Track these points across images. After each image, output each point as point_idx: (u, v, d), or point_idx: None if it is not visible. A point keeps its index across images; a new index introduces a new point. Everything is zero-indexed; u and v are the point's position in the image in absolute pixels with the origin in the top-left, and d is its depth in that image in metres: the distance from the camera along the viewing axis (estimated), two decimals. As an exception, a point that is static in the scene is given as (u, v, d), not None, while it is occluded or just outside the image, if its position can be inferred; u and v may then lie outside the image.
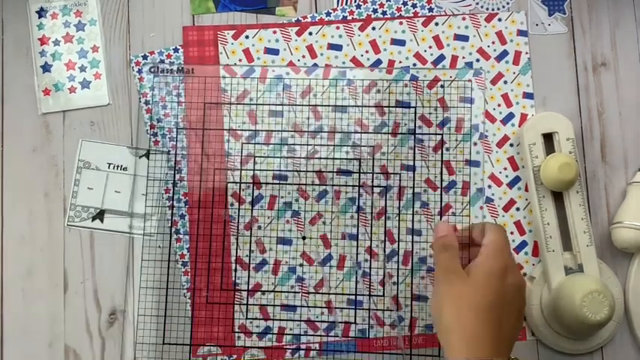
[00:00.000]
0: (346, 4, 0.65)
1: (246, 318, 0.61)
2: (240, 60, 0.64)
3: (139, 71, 0.64)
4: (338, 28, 0.64)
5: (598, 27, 0.65)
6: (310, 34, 0.64)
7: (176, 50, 0.64)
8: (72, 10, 0.64)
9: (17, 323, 0.62)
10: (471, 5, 0.65)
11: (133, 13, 0.65)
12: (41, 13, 0.64)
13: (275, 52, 0.64)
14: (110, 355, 0.61)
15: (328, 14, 0.65)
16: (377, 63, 0.64)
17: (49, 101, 0.64)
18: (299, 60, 0.64)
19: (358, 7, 0.65)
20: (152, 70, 0.63)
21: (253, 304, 0.61)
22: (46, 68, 0.64)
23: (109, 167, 0.63)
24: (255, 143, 0.63)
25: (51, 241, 0.62)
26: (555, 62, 0.65)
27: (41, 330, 0.61)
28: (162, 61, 0.64)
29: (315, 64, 0.64)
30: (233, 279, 0.62)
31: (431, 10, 0.65)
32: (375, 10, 0.65)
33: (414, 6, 0.65)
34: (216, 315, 0.61)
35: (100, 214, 0.63)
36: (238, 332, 0.61)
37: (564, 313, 0.57)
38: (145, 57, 0.64)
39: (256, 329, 0.61)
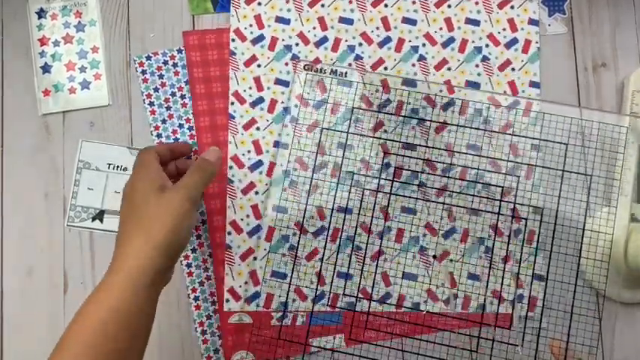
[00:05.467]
0: (361, -22, 0.64)
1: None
2: (250, 25, 0.64)
3: (143, 72, 0.64)
4: (351, 2, 0.64)
5: (598, 27, 0.65)
6: (322, 5, 0.64)
7: (180, 51, 0.64)
8: (72, 10, 0.64)
9: (17, 323, 0.61)
10: (484, -10, 0.65)
11: (132, 14, 0.65)
12: (41, 13, 0.64)
13: (286, 21, 0.64)
14: (110, 356, 0.61)
15: (342, -13, 0.64)
16: (386, 40, 0.64)
17: (49, 102, 0.64)
18: (309, 31, 0.64)
19: (373, -18, 0.64)
20: (306, 67, 0.62)
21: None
22: (45, 69, 0.64)
23: (108, 167, 0.63)
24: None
25: (51, 241, 0.62)
26: (555, 62, 0.65)
27: (41, 330, 0.61)
28: (165, 62, 0.64)
29: (325, 37, 0.64)
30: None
31: (445, -9, 0.64)
32: (389, -14, 0.64)
33: (428, -15, 0.64)
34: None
35: (99, 215, 0.63)
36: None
37: (618, 256, 0.59)
38: (148, 58, 0.64)
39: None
